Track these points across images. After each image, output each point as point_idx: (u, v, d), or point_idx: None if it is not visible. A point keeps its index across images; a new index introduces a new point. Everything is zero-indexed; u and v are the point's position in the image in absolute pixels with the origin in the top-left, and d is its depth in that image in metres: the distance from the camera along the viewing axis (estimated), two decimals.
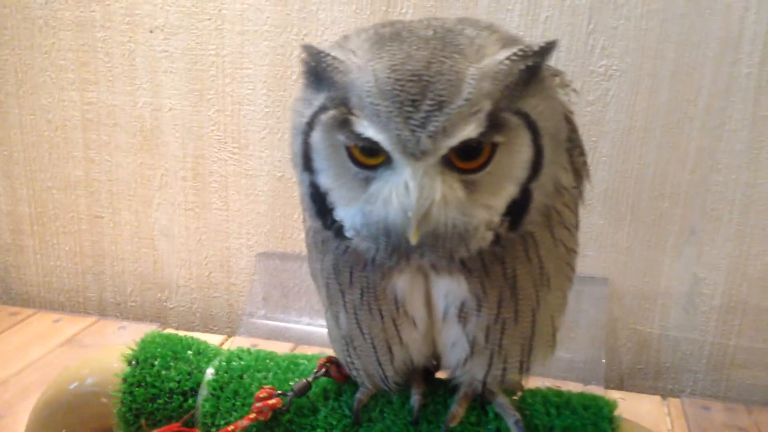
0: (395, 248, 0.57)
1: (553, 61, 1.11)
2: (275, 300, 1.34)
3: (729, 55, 1.08)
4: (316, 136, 0.58)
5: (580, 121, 1.12)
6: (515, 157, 0.56)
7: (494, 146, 0.55)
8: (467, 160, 0.55)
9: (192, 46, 1.28)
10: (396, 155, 0.53)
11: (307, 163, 0.60)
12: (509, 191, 0.57)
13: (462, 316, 0.63)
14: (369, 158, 0.56)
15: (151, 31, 1.29)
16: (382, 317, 0.65)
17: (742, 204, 1.13)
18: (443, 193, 0.54)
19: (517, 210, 0.58)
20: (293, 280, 1.33)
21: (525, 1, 1.12)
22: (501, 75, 0.54)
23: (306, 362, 0.80)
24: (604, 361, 1.19)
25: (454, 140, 0.52)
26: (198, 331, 1.40)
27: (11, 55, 1.37)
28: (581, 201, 0.70)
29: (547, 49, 0.56)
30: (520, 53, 0.54)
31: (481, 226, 0.57)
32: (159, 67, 1.31)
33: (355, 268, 0.63)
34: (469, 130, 0.52)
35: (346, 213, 0.59)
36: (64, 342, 1.27)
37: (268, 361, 0.80)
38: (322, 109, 0.57)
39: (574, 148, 0.66)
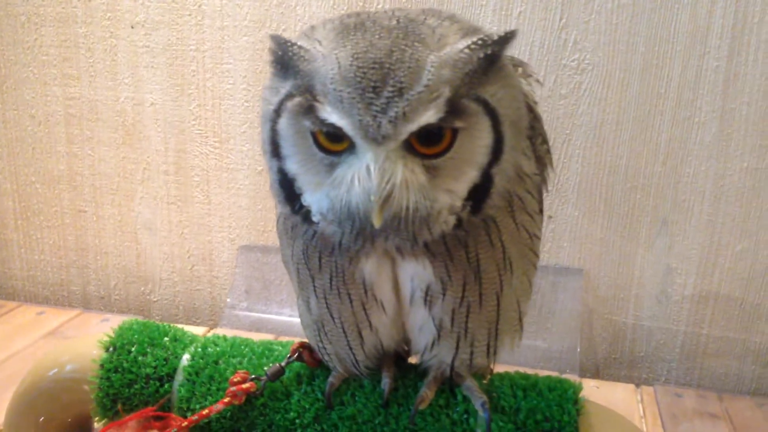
0: (360, 232, 0.59)
1: (527, 55, 1.14)
2: (257, 292, 1.36)
3: (697, 49, 1.10)
4: (283, 123, 0.60)
5: (554, 114, 1.16)
6: (476, 143, 0.58)
7: (455, 132, 0.57)
8: (429, 145, 0.57)
9: (173, 41, 1.29)
10: (358, 140, 0.55)
11: (275, 149, 0.61)
12: (470, 176, 0.59)
13: (428, 300, 0.65)
14: (333, 144, 0.57)
15: (132, 27, 1.31)
16: (351, 302, 0.66)
17: (712, 195, 1.15)
18: (405, 177, 0.56)
19: (478, 194, 0.60)
20: (274, 272, 1.35)
21: None
22: (460, 63, 0.56)
23: (280, 348, 0.81)
24: (579, 350, 1.21)
25: (414, 125, 0.54)
26: (181, 323, 1.41)
27: None
28: (545, 188, 0.72)
29: (506, 38, 0.57)
30: (480, 42, 0.56)
31: (443, 210, 0.58)
32: (140, 63, 1.32)
33: (323, 253, 0.64)
34: (429, 116, 0.54)
35: (313, 198, 0.60)
36: (47, 334, 1.28)
37: (243, 347, 0.82)
38: (289, 96, 0.58)
39: (536, 136, 0.68)
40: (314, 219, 0.61)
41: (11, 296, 1.50)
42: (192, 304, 1.42)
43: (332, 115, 0.55)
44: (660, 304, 1.21)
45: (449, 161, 0.58)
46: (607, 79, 1.14)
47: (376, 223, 0.56)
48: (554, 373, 1.17)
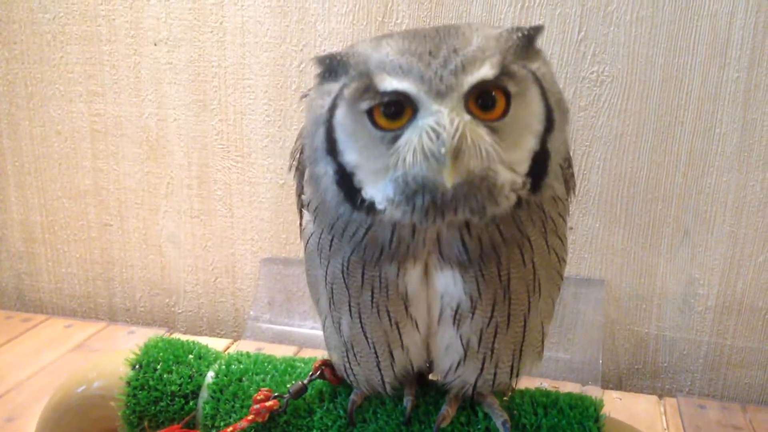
0: (431, 204, 0.59)
1: None
2: (279, 304, 1.37)
3: (717, 60, 1.10)
4: (340, 114, 0.61)
5: (574, 126, 1.16)
6: (529, 109, 0.61)
7: (508, 99, 0.59)
8: (486, 110, 0.58)
9: (195, 57, 1.31)
10: (422, 96, 0.56)
11: (331, 147, 0.62)
12: (530, 144, 0.61)
13: (457, 318, 0.66)
14: (392, 121, 0.59)
15: (155, 44, 1.33)
16: (389, 318, 0.67)
17: (734, 206, 1.15)
18: (472, 129, 0.57)
19: (537, 170, 0.61)
20: (296, 284, 1.36)
21: (516, 11, 1.14)
22: (502, 39, 0.59)
23: (303, 365, 0.82)
24: (601, 361, 1.20)
25: (474, 78, 0.56)
26: (205, 335, 1.43)
27: (21, 69, 1.41)
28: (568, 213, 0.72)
29: (537, 28, 0.62)
30: (515, 28, 0.61)
31: (506, 184, 0.59)
32: (163, 79, 1.34)
33: (368, 264, 0.64)
34: (485, 70, 0.57)
35: (376, 188, 0.60)
36: (74, 347, 1.30)
37: (266, 364, 0.83)
38: (344, 87, 0.61)
39: (563, 159, 0.69)
40: (380, 207, 0.60)
41: (39, 309, 1.53)
42: (216, 316, 1.44)
43: (392, 82, 0.57)
44: (683, 315, 1.21)
45: (508, 127, 0.59)
46: (627, 91, 1.14)
47: (449, 181, 0.56)
48: (576, 385, 1.18)
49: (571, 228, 1.20)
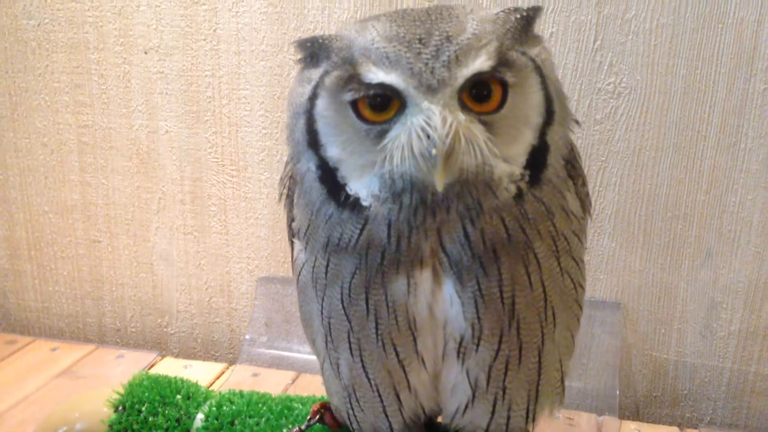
0: (420, 203, 0.54)
1: (560, 78, 1.07)
2: (277, 325, 1.31)
3: (743, 71, 1.03)
4: (321, 105, 0.56)
5: (589, 140, 1.09)
6: (528, 100, 0.56)
7: (505, 89, 0.54)
8: (481, 101, 0.54)
9: (187, 66, 1.25)
10: (411, 91, 0.51)
11: (313, 139, 0.57)
12: (527, 137, 0.56)
13: (461, 352, 0.60)
14: (379, 114, 0.54)
15: (145, 53, 1.26)
16: (396, 353, 0.61)
17: (760, 225, 1.08)
18: (466, 127, 0.52)
19: (536, 162, 0.57)
20: (295, 305, 1.28)
21: None
22: (500, 20, 0.55)
23: (300, 406, 0.77)
24: (617, 391, 1.14)
25: (469, 70, 0.51)
26: (199, 357, 1.37)
27: (4, 78, 1.34)
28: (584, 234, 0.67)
29: (536, 8, 0.58)
30: (512, 8, 0.57)
31: (504, 177, 0.55)
32: (154, 89, 1.27)
33: (372, 283, 0.58)
34: (481, 61, 0.52)
35: (361, 183, 0.56)
36: (60, 373, 1.23)
37: (260, 405, 0.77)
38: (325, 74, 0.56)
39: (577, 176, 0.63)
40: (365, 203, 0.56)
41: (26, 329, 1.46)
42: (210, 337, 1.37)
43: (378, 74, 0.52)
44: (704, 340, 1.14)
45: (504, 120, 0.55)
46: (646, 103, 1.07)
47: (440, 183, 0.51)
48: (592, 414, 1.12)
49: (586, 248, 1.14)
